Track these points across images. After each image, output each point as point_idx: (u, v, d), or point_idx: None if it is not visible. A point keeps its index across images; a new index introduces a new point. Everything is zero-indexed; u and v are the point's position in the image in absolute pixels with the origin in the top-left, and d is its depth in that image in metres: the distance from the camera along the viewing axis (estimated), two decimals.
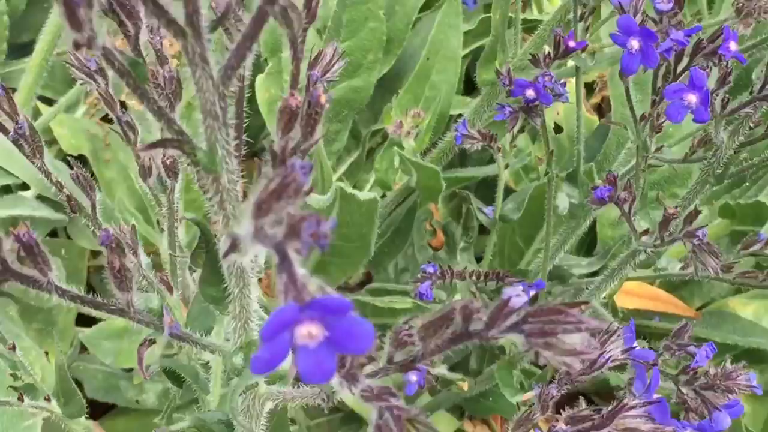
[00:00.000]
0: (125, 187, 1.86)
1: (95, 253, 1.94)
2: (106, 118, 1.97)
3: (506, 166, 1.58)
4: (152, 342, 0.76)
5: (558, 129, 1.94)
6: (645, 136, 1.26)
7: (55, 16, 1.69)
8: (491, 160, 1.93)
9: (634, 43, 1.10)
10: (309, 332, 0.49)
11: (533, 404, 1.07)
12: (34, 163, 0.92)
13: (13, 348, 1.12)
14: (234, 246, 0.58)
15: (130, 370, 1.79)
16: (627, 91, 1.24)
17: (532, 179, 1.88)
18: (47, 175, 0.93)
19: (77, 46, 0.55)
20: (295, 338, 0.49)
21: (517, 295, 0.61)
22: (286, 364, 0.82)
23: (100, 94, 1.12)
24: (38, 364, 1.62)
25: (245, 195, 1.67)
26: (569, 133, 1.85)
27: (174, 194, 0.98)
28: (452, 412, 1.87)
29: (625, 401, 0.81)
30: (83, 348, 1.84)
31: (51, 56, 1.71)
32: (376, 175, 1.69)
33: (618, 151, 1.71)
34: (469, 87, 1.95)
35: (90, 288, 1.93)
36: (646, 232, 1.22)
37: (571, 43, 1.28)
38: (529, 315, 0.61)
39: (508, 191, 1.69)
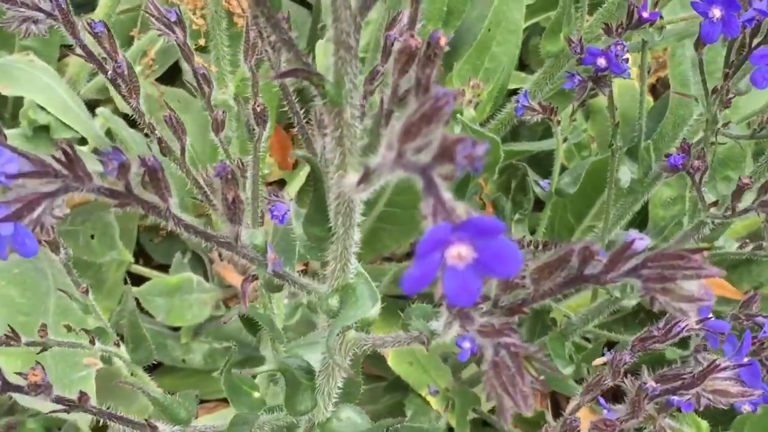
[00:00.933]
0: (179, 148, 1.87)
1: (144, 215, 1.95)
2: (160, 80, 1.98)
3: (564, 140, 1.58)
4: (255, 278, 0.77)
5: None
6: (715, 109, 1.26)
7: None
8: (542, 137, 1.94)
9: (716, 12, 1.10)
10: (459, 253, 0.49)
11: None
12: (129, 104, 0.92)
13: (86, 292, 1.13)
14: (366, 176, 0.59)
15: (177, 329, 1.80)
16: (701, 63, 1.24)
17: (584, 156, 1.88)
18: (140, 115, 0.93)
19: None
20: (445, 258, 0.49)
21: (640, 238, 0.61)
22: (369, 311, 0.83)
23: (178, 45, 1.12)
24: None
25: (297, 163, 1.67)
26: (624, 111, 1.84)
27: (260, 142, 0.99)
28: None
29: (717, 361, 0.82)
30: None
31: (114, 13, 1.72)
32: None
33: (674, 131, 1.71)
34: (520, 63, 1.95)
35: (140, 247, 1.95)
36: (715, 203, 1.23)
37: (645, 14, 1.28)
38: (649, 259, 0.61)
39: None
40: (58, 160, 0.60)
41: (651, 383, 0.85)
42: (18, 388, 0.75)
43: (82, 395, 0.78)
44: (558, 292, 0.67)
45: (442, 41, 0.69)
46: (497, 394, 0.61)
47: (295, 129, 0.88)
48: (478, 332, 0.63)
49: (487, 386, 0.61)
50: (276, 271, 0.76)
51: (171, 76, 2.02)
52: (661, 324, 1.02)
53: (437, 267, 0.50)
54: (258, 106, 0.95)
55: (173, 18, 1.11)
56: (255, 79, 0.97)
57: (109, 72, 0.90)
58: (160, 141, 0.94)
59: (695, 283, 0.61)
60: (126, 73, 0.91)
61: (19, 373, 0.75)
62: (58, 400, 0.77)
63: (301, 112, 1.02)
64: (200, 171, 0.95)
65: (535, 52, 2.07)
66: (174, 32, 1.11)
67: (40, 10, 0.86)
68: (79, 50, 0.94)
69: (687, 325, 1.01)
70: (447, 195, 0.51)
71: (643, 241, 0.61)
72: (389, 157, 0.55)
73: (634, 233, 0.60)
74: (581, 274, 0.64)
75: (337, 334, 0.83)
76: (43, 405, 1.36)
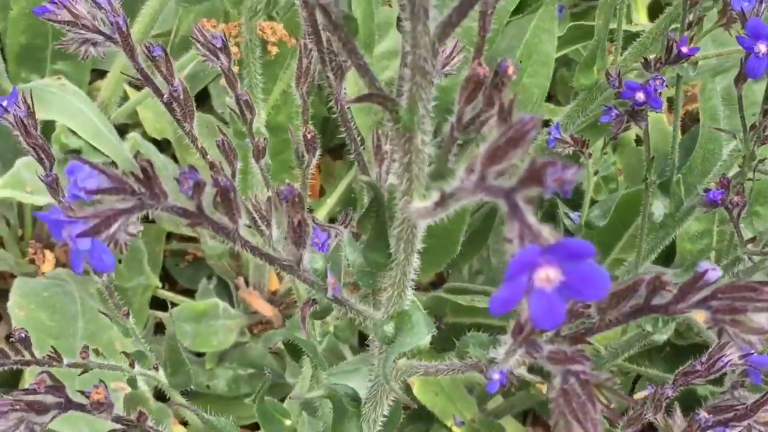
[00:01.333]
0: (205, 174, 1.88)
1: (168, 238, 1.96)
2: None
3: (596, 173, 1.59)
4: (315, 302, 0.77)
5: (638, 141, 1.95)
6: (753, 146, 1.27)
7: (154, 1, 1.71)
8: None
9: (762, 47, 1.11)
10: (547, 275, 0.49)
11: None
12: (183, 128, 0.93)
13: (127, 315, 1.13)
14: (443, 200, 0.59)
15: (202, 354, 1.81)
16: (740, 98, 1.25)
17: (611, 189, 1.88)
18: (194, 140, 0.94)
19: None
20: (533, 281, 0.50)
21: (713, 269, 0.61)
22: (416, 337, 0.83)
23: (222, 71, 1.13)
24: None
25: (322, 190, 1.68)
26: (652, 144, 1.85)
27: (309, 169, 1.00)
28: (517, 417, 1.88)
29: None
30: (155, 331, 1.86)
31: (148, 37, 1.74)
32: None
33: (704, 165, 1.72)
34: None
35: (165, 271, 1.95)
36: (752, 239, 1.23)
37: (684, 49, 1.29)
38: (719, 291, 0.61)
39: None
40: (136, 178, 0.60)
41: (704, 414, 0.85)
42: (80, 406, 0.75)
43: (141, 414, 0.78)
44: (624, 322, 0.67)
45: (510, 70, 0.69)
46: (566, 422, 0.61)
47: (352, 156, 0.89)
48: (548, 359, 0.63)
49: (556, 414, 0.61)
50: (335, 296, 0.76)
51: (199, 102, 2.03)
52: (704, 358, 1.02)
53: (525, 289, 0.50)
54: (308, 133, 0.96)
55: (219, 44, 1.12)
56: (306, 106, 0.98)
57: (165, 96, 0.91)
58: (212, 165, 0.94)
59: (765, 316, 0.61)
60: (182, 97, 0.92)
61: (81, 392, 0.75)
62: (118, 419, 0.77)
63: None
64: (250, 196, 0.95)
65: (562, 83, 2.08)
66: (219, 58, 1.12)
67: (100, 32, 0.87)
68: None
69: (730, 360, 1.01)
70: (532, 218, 0.51)
71: (715, 272, 0.61)
72: (470, 180, 0.55)
73: (706, 264, 0.60)
74: (649, 304, 0.64)
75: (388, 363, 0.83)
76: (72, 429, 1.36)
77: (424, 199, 0.68)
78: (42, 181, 1.04)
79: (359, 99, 0.62)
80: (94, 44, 0.88)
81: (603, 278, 0.50)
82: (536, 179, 0.50)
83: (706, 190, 1.21)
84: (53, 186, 1.04)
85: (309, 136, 0.96)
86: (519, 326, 0.68)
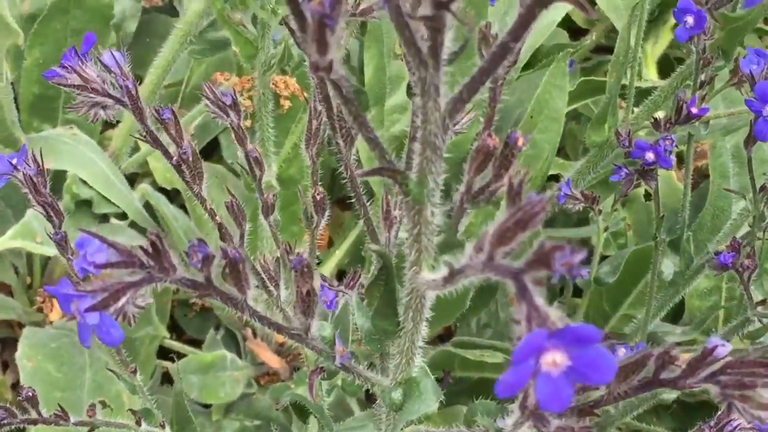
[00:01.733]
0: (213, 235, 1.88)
1: (176, 288, 1.95)
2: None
3: (605, 229, 1.59)
4: (323, 370, 0.77)
5: (647, 196, 1.94)
6: (763, 207, 1.27)
7: (167, 50, 1.72)
8: (577, 223, 1.94)
9: None
10: (554, 360, 0.49)
11: None
12: (191, 189, 0.93)
13: (135, 372, 1.13)
14: (451, 276, 0.59)
15: (209, 406, 1.80)
16: (749, 161, 1.25)
17: (620, 244, 1.88)
18: (202, 201, 0.94)
19: (316, 68, 0.56)
20: (540, 365, 0.50)
21: (722, 344, 0.61)
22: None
23: (232, 128, 1.13)
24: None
25: (330, 241, 1.68)
26: (662, 200, 1.85)
27: (318, 230, 1.00)
28: None
29: None
30: (162, 380, 1.85)
31: (161, 87, 1.75)
32: (470, 229, 1.70)
33: (713, 222, 1.71)
34: None
35: (173, 321, 1.95)
36: (762, 302, 1.22)
37: (694, 110, 1.29)
38: (728, 366, 0.61)
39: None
40: (145, 251, 0.60)
41: None
42: None
43: None
44: (633, 395, 0.67)
45: (521, 142, 0.69)
46: None
47: (361, 220, 0.89)
48: None
49: None
50: (344, 364, 0.76)
51: (209, 151, 2.04)
52: (712, 422, 1.01)
53: (531, 373, 0.50)
54: (318, 194, 0.96)
55: (228, 101, 1.12)
56: (315, 167, 0.98)
57: (174, 158, 0.91)
58: (220, 227, 0.95)
59: None
60: (191, 159, 0.92)
61: None
62: None
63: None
64: (258, 256, 0.95)
65: (571, 136, 2.08)
66: (228, 115, 1.12)
67: (110, 96, 0.87)
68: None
69: (739, 424, 1.00)
70: (540, 301, 0.51)
71: (725, 348, 0.61)
72: (479, 259, 0.55)
73: (715, 339, 0.59)
74: (658, 378, 0.64)
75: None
76: None
77: (433, 269, 0.68)
78: (51, 238, 1.04)
79: (370, 172, 0.62)
80: (104, 107, 0.88)
81: (610, 363, 0.50)
82: (545, 263, 0.50)
83: (717, 253, 1.20)
84: (62, 243, 1.04)
85: (318, 198, 0.97)
86: (526, 397, 0.67)
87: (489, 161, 0.70)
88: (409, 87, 0.66)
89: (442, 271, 0.61)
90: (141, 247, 0.60)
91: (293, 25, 0.56)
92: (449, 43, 0.56)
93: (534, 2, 0.53)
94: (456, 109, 0.60)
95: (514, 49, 0.56)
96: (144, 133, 0.92)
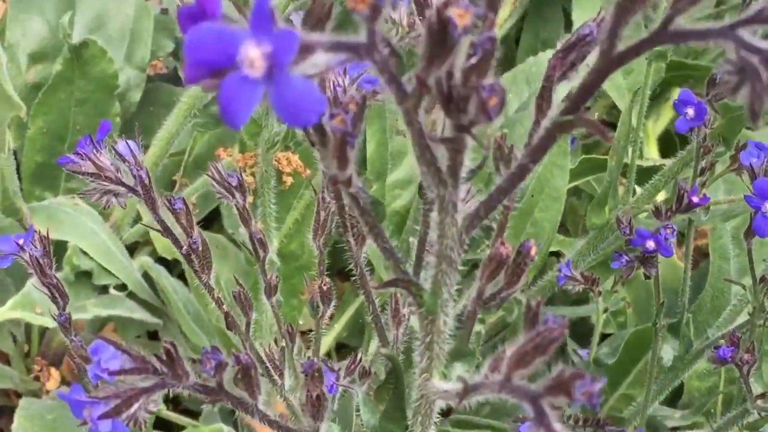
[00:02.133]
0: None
1: None
2: (199, 224, 2.00)
3: (605, 310, 1.59)
4: None
5: (647, 275, 1.94)
6: (762, 298, 1.27)
7: (171, 123, 1.73)
8: (576, 302, 1.94)
9: None
10: None
11: None
12: (200, 278, 0.94)
13: None
14: (465, 392, 0.60)
15: None
16: (750, 252, 1.26)
17: (619, 322, 1.88)
18: (210, 290, 0.94)
19: (335, 182, 0.57)
20: None
21: None
22: None
23: (237, 209, 1.14)
24: None
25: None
26: (662, 280, 1.85)
27: (323, 319, 1.00)
28: None
29: None
30: None
31: (165, 157, 1.76)
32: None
33: (713, 303, 1.72)
34: None
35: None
36: (762, 395, 1.22)
37: (695, 199, 1.30)
38: None
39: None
40: (159, 359, 0.60)
41: None
42: None
43: None
44: None
45: (533, 251, 0.70)
46: None
47: (370, 317, 0.89)
48: None
49: None
50: None
51: (210, 220, 2.04)
52: None
53: None
54: (324, 285, 0.97)
55: (234, 182, 1.13)
56: (322, 257, 0.99)
57: (184, 248, 0.92)
58: (227, 316, 0.95)
59: None
60: (200, 249, 0.93)
61: None
62: None
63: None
64: (264, 345, 0.95)
65: (571, 212, 2.09)
66: (234, 196, 1.13)
67: (123, 184, 0.88)
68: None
69: None
70: (558, 426, 0.51)
71: None
72: (494, 378, 0.56)
73: None
74: None
75: None
76: None
77: (444, 377, 0.68)
78: (55, 320, 1.04)
79: (385, 285, 0.63)
80: (116, 195, 0.89)
81: None
82: (564, 390, 0.51)
83: (717, 347, 1.21)
84: (66, 325, 1.04)
85: (325, 289, 0.97)
86: None
87: (501, 269, 0.70)
88: (420, 188, 0.67)
89: (455, 384, 0.61)
90: (155, 355, 0.60)
91: (314, 138, 0.57)
92: (467, 161, 0.57)
93: (554, 127, 0.54)
94: (473, 226, 0.60)
95: (533, 170, 0.57)
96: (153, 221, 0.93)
